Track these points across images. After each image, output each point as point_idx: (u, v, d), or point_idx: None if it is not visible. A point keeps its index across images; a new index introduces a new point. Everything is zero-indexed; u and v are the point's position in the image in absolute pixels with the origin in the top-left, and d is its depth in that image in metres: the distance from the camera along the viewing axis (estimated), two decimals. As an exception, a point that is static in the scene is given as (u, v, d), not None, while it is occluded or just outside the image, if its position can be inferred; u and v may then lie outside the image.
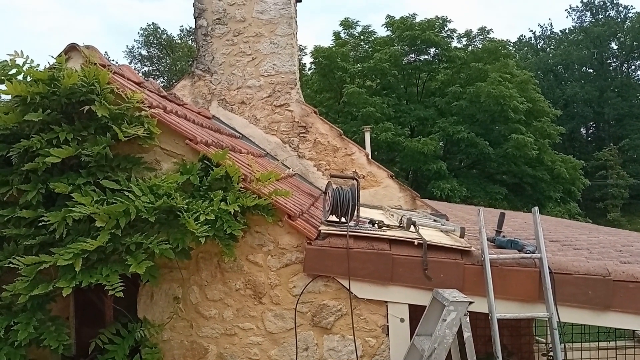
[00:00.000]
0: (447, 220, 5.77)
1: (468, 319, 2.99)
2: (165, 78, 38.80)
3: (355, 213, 3.79)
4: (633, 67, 46.28)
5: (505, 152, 24.83)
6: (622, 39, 44.72)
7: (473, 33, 30.80)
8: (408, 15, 28.82)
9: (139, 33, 44.13)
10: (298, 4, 7.29)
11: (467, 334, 2.97)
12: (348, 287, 3.50)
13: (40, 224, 3.17)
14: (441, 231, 4.27)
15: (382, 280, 3.49)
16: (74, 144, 3.28)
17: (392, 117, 25.93)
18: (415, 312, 3.49)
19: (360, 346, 3.54)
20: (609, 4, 46.39)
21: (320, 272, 3.55)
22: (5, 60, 3.36)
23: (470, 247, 3.54)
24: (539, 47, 50.71)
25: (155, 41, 41.38)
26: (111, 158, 3.43)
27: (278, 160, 6.48)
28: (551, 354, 3.77)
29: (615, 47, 45.71)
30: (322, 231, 3.62)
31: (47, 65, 3.53)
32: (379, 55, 26.59)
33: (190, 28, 37.33)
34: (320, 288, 3.57)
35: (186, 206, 3.26)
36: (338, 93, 27.86)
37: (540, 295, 3.38)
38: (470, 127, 25.30)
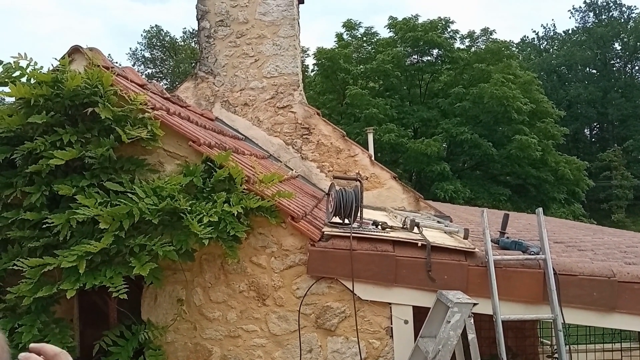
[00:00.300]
0: (451, 221, 5.76)
1: (472, 320, 2.98)
2: (169, 80, 38.88)
3: (359, 214, 3.79)
4: (637, 67, 46.14)
5: (509, 153, 24.79)
6: (625, 40, 44.57)
7: (476, 34, 30.81)
8: (411, 16, 28.82)
9: (142, 35, 44.17)
10: (300, 5, 7.30)
11: (472, 336, 2.96)
12: (352, 289, 3.50)
13: (44, 226, 3.18)
14: (445, 232, 4.26)
15: (385, 282, 3.48)
16: (78, 146, 3.29)
17: (395, 118, 25.92)
18: (419, 314, 3.48)
19: (364, 348, 3.53)
20: (612, 4, 46.27)
21: (323, 274, 3.54)
22: (9, 63, 3.37)
23: (474, 249, 3.53)
24: (542, 47, 50.61)
25: (158, 43, 41.48)
26: (115, 160, 3.43)
27: (281, 162, 6.48)
28: (556, 355, 3.75)
29: (619, 48, 45.56)
30: (325, 233, 3.62)
31: (51, 68, 3.54)
32: (382, 56, 26.58)
33: (193, 30, 37.43)
34: (324, 290, 3.56)
35: (189, 208, 3.26)
36: (341, 94, 27.87)
37: (545, 297, 3.36)
38: (473, 128, 25.26)
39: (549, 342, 6.62)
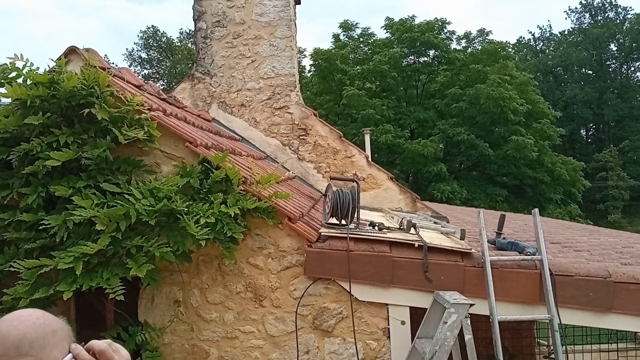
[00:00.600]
0: (448, 222, 5.77)
1: (469, 321, 2.99)
2: (165, 81, 38.85)
3: (356, 215, 3.79)
4: (632, 68, 46.28)
5: (506, 154, 24.83)
6: (621, 41, 44.72)
7: (472, 35, 30.83)
8: (407, 17, 28.84)
9: (138, 36, 44.23)
10: (297, 6, 7.31)
11: (468, 337, 2.97)
12: (349, 290, 3.50)
13: (40, 228, 3.17)
14: (441, 233, 4.26)
15: (382, 283, 3.49)
16: (74, 147, 3.28)
17: (392, 119, 25.94)
18: (416, 315, 3.48)
19: (362, 349, 3.53)
20: (607, 5, 46.43)
21: (320, 275, 3.54)
22: (5, 64, 3.36)
23: (471, 249, 3.54)
24: (538, 48, 50.74)
25: (155, 44, 41.44)
26: (111, 161, 3.43)
27: (278, 163, 6.48)
28: (552, 356, 3.77)
29: (615, 49, 45.72)
30: (322, 234, 3.62)
31: (47, 68, 3.54)
32: (379, 57, 26.60)
33: (189, 31, 37.38)
34: (321, 291, 3.56)
35: (186, 209, 3.26)
36: (338, 95, 27.88)
37: (541, 297, 3.37)
38: (470, 129, 25.30)
39: (546, 343, 6.64)
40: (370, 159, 7.05)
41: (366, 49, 30.50)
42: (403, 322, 3.51)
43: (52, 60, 3.56)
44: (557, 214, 23.46)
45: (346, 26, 30.71)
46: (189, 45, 38.14)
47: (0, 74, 3.35)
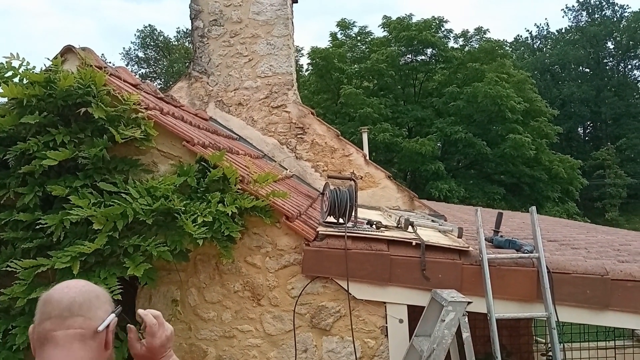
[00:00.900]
0: (445, 220, 5.78)
1: (467, 319, 2.99)
2: (162, 80, 38.80)
3: (353, 214, 3.79)
4: (629, 66, 46.37)
5: (503, 152, 24.88)
6: (618, 39, 44.80)
7: (470, 33, 30.85)
8: (404, 15, 28.87)
9: (135, 35, 44.09)
10: (294, 5, 7.30)
11: (466, 334, 2.97)
12: (346, 288, 3.50)
13: (37, 227, 3.16)
14: (439, 231, 4.27)
15: (380, 281, 3.49)
16: (71, 147, 3.27)
17: (390, 117, 25.96)
18: (414, 313, 3.49)
19: (360, 347, 3.53)
20: (604, 3, 46.47)
21: (318, 274, 3.54)
22: (1, 63, 3.35)
23: (468, 247, 3.54)
24: (535, 47, 50.78)
25: (152, 43, 41.38)
26: (108, 160, 3.42)
27: (275, 162, 6.48)
28: (550, 353, 3.77)
29: (612, 47, 45.80)
30: (320, 232, 3.62)
31: (44, 68, 3.53)
32: (376, 55, 26.62)
33: (187, 30, 37.34)
34: (319, 289, 3.56)
35: (184, 208, 3.25)
36: (335, 94, 27.87)
37: (539, 295, 3.38)
38: (467, 127, 25.33)
39: (543, 340, 6.65)
40: (367, 157, 7.05)
41: (364, 47, 30.50)
42: (401, 321, 3.51)
43: (48, 59, 3.55)
44: (555, 212, 23.53)
45: (344, 25, 30.70)
46: (186, 44, 38.10)
47: (-4, 73, 3.34)
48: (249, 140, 6.71)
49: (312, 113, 6.86)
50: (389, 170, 7.32)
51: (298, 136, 6.74)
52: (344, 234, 3.55)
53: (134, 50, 41.41)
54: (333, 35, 30.60)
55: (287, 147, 6.75)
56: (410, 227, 3.97)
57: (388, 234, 3.72)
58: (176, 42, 41.15)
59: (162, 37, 41.43)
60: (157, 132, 3.55)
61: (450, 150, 28.26)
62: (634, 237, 6.08)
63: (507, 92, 24.24)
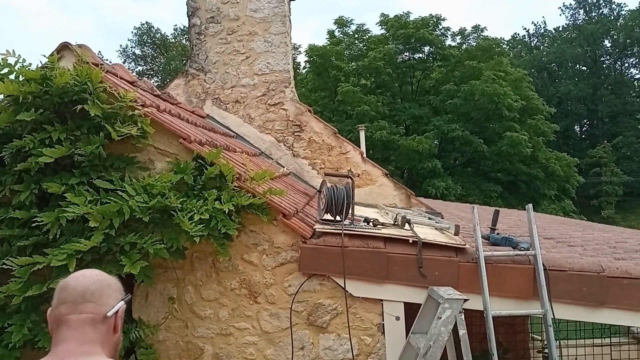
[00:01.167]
0: (442, 218, 5.78)
1: (463, 316, 3.00)
2: (159, 77, 38.72)
3: (350, 211, 3.79)
4: (626, 64, 46.51)
5: (500, 150, 24.93)
6: (615, 37, 44.90)
7: (467, 31, 30.93)
8: (402, 13, 28.92)
9: (132, 32, 44.04)
10: (292, 2, 7.28)
11: (463, 332, 2.98)
12: (343, 286, 3.50)
13: (33, 225, 3.15)
14: (436, 229, 4.27)
15: (377, 279, 3.49)
16: (67, 144, 3.26)
17: (387, 115, 25.98)
18: (411, 310, 3.49)
19: (356, 345, 3.53)
20: (602, 1, 46.56)
21: (315, 271, 3.54)
22: (-3, 60, 3.33)
23: (465, 245, 3.54)
24: (532, 45, 50.84)
25: (149, 40, 41.29)
26: (104, 158, 3.40)
27: (272, 159, 6.47)
28: (546, 350, 3.79)
29: (609, 45, 45.91)
30: (317, 230, 3.62)
31: (40, 65, 3.51)
32: (374, 53, 26.63)
33: (184, 27, 37.24)
34: (316, 287, 3.56)
35: (180, 205, 3.25)
36: (333, 92, 27.87)
37: (535, 292, 3.38)
38: (464, 125, 25.38)
39: (540, 337, 6.67)
40: (365, 155, 7.05)
41: (361, 45, 30.51)
42: (397, 318, 3.51)
43: (44, 56, 3.53)
44: (551, 209, 23.60)
45: (341, 22, 30.71)
46: (184, 41, 38.02)
47: (-8, 70, 3.32)
48: (246, 137, 6.70)
49: (310, 111, 6.85)
50: (386, 168, 7.32)
51: (295, 134, 6.73)
52: (340, 231, 3.55)
53: (131, 47, 41.34)
54: (331, 33, 30.61)
55: (284, 145, 6.74)
56: (407, 224, 3.97)
57: (385, 231, 3.72)
58: (173, 40, 41.05)
59: (159, 34, 41.36)
60: (154, 130, 3.54)
61: (447, 148, 28.31)
62: (630, 235, 6.10)
63: (504, 90, 24.29)
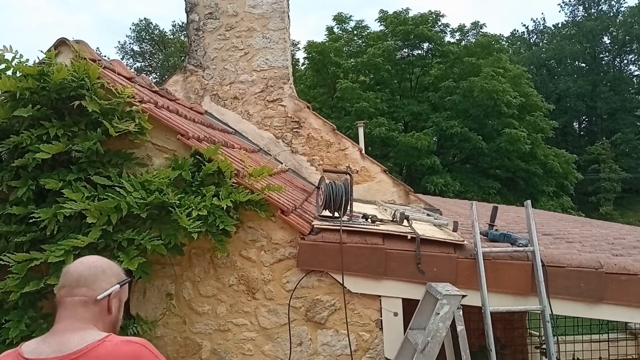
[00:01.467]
0: (441, 214, 5.78)
1: (461, 312, 3.00)
2: (158, 74, 38.65)
3: (349, 208, 3.79)
4: (625, 61, 46.50)
5: (499, 147, 24.94)
6: (614, 33, 44.87)
7: (466, 28, 30.89)
8: (401, 10, 28.87)
9: (130, 29, 43.95)
10: (290, -2, 7.25)
11: (460, 327, 2.98)
12: (342, 282, 3.50)
13: (30, 221, 3.14)
14: (434, 225, 4.27)
15: (375, 275, 3.49)
16: (64, 140, 3.25)
17: (386, 112, 25.96)
18: (409, 306, 3.49)
19: (354, 340, 3.54)
20: (601, -2, 46.52)
21: (313, 267, 3.54)
22: (-5, 56, 3.32)
23: (463, 241, 3.55)
24: (531, 41, 50.81)
25: (147, 37, 41.18)
26: (102, 154, 3.40)
27: (271, 156, 6.45)
28: (544, 346, 3.80)
29: (608, 41, 45.88)
30: (315, 226, 3.61)
31: (37, 61, 3.49)
32: (373, 50, 26.59)
33: (182, 23, 37.15)
34: (314, 283, 3.56)
35: (178, 202, 3.24)
36: (331, 88, 27.85)
37: (533, 288, 3.39)
38: (463, 121, 25.37)
39: (537, 333, 6.69)
40: (363, 151, 7.04)
41: (360, 41, 30.48)
42: (396, 314, 3.52)
43: (41, 52, 3.52)
44: (550, 206, 23.62)
45: (340, 19, 30.64)
46: (182, 37, 37.93)
47: (-12, 66, 3.31)
48: (244, 134, 6.69)
49: (308, 107, 6.83)
50: (384, 165, 7.31)
51: (294, 130, 6.72)
52: (339, 227, 3.54)
53: (130, 43, 41.25)
54: (329, 30, 30.55)
55: (283, 141, 6.73)
56: (405, 221, 3.97)
57: (383, 227, 3.72)
58: (172, 36, 40.95)
59: (157, 30, 41.24)
60: (152, 126, 3.53)
61: (446, 145, 28.31)
62: (628, 231, 6.11)
63: (503, 87, 24.27)
